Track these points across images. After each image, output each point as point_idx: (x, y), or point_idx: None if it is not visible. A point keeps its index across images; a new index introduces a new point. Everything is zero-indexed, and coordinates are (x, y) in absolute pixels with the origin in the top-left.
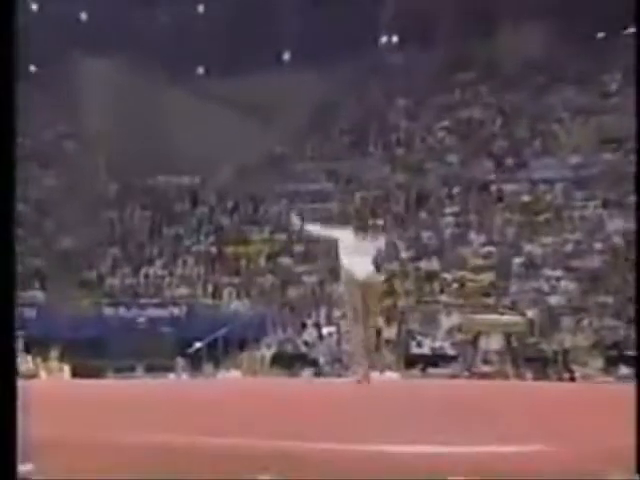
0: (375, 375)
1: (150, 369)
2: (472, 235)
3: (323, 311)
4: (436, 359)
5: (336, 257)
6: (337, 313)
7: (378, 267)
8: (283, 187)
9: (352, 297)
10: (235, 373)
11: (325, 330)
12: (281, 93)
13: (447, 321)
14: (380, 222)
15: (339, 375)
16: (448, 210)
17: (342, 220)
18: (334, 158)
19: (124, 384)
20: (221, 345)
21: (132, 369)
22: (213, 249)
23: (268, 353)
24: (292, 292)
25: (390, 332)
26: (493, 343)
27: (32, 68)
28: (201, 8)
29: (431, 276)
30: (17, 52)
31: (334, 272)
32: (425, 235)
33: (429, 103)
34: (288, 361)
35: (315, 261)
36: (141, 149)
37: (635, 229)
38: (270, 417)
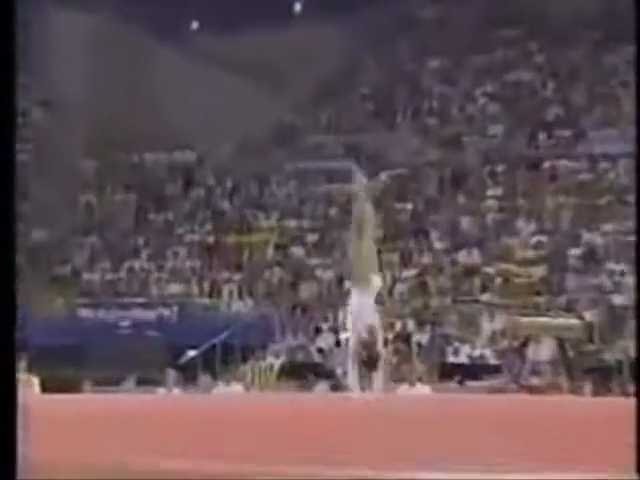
0: (404, 388)
1: (136, 382)
2: (520, 222)
3: (342, 313)
4: (476, 370)
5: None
6: None
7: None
8: (294, 164)
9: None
10: (236, 387)
11: (344, 335)
12: (291, 52)
13: (489, 325)
14: (409, 206)
15: (362, 389)
16: (491, 192)
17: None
18: (354, 130)
19: (104, 399)
20: (220, 353)
21: (114, 382)
22: (210, 238)
23: (276, 363)
24: (305, 290)
25: (422, 337)
26: (544, 351)
27: None
28: None
29: (470, 271)
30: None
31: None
32: (463, 222)
33: (468, 64)
34: (300, 372)
35: (332, 252)
36: (125, 119)
37: (635, 229)
38: (276, 439)
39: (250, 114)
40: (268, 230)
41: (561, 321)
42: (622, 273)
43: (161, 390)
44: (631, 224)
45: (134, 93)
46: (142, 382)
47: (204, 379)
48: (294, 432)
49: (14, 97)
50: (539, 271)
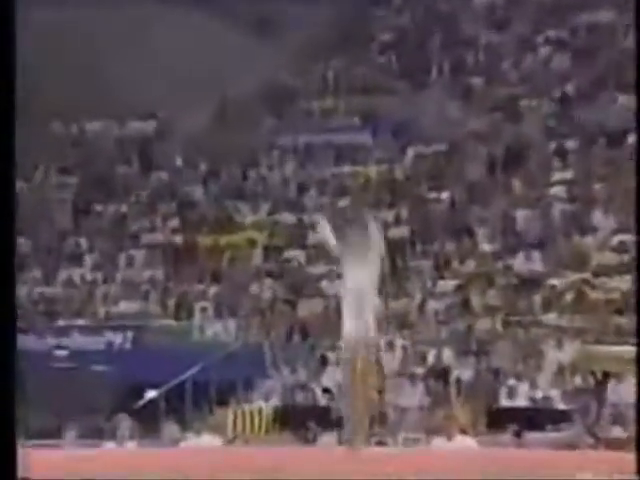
0: (440, 441)
1: (77, 433)
2: (597, 216)
3: None
4: (538, 417)
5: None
6: (380, 339)
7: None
8: (290, 139)
9: None
10: (212, 439)
11: None
12: None
13: (556, 356)
14: (445, 194)
15: (380, 443)
16: (557, 176)
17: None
18: (371, 91)
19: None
20: (190, 394)
21: (49, 433)
22: (177, 239)
23: (267, 407)
24: (306, 308)
25: (464, 372)
26: (630, 391)
27: None
28: None
29: (530, 282)
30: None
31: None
32: (520, 216)
33: (525, 1)
34: (299, 420)
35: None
36: (62, 80)
37: (635, 228)
38: None
39: (231, 71)
40: (255, 227)
41: None
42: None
43: (110, 444)
44: None
45: (74, 43)
46: (86, 433)
47: (169, 428)
48: None
49: (14, 98)
50: (623, 283)
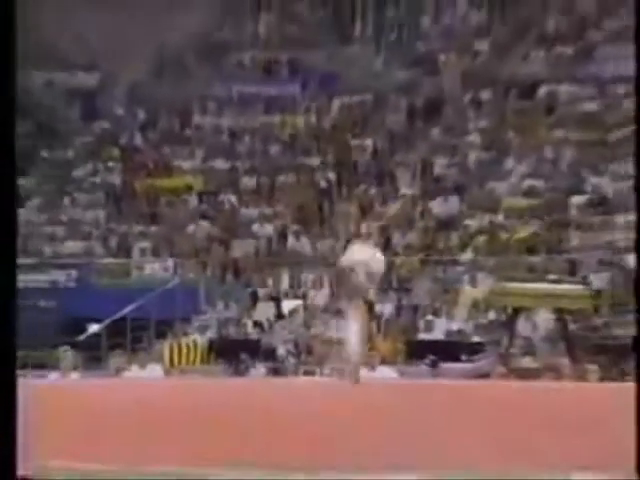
0: (363, 372)
1: (22, 365)
2: (509, 162)
3: (285, 276)
4: (454, 348)
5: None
6: (308, 277)
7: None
8: (223, 88)
9: None
10: (153, 369)
11: (287, 305)
12: None
13: (470, 292)
14: (369, 142)
15: (307, 373)
16: (473, 125)
17: (310, 140)
18: (299, 45)
19: None
20: (130, 328)
21: None
22: (117, 181)
23: (202, 339)
24: (238, 247)
25: (385, 307)
26: (539, 325)
27: None
28: None
29: (447, 224)
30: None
31: (303, 218)
32: (439, 162)
33: None
34: (231, 351)
35: (274, 200)
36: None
37: (635, 227)
38: (202, 435)
39: (167, 24)
40: (192, 172)
41: (561, 287)
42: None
43: (53, 375)
44: None
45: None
46: (31, 364)
47: (112, 360)
48: (224, 426)
49: (14, 99)
50: (533, 225)
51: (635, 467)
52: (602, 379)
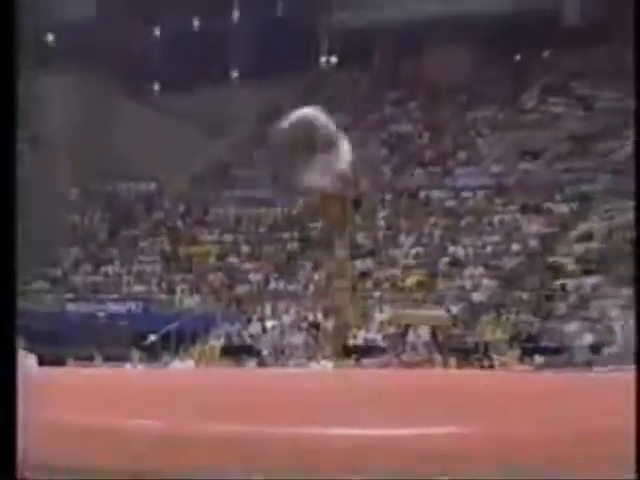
0: (313, 365)
1: (107, 359)
2: (402, 237)
3: (268, 306)
4: (370, 350)
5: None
6: (280, 307)
7: None
8: (230, 193)
9: None
10: (188, 363)
11: (269, 324)
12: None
13: (380, 315)
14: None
15: (282, 365)
16: (381, 214)
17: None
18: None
19: (87, 372)
20: (174, 338)
21: (89, 358)
22: (168, 248)
23: (217, 344)
24: (239, 289)
25: (329, 324)
26: (422, 335)
27: None
28: (157, 31)
29: (365, 274)
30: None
31: (278, 269)
32: (360, 236)
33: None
34: (235, 352)
35: (260, 260)
36: (102, 157)
37: (635, 227)
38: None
39: (197, 154)
40: (211, 243)
41: (433, 313)
42: (479, 277)
43: (127, 365)
44: (488, 239)
45: (108, 137)
46: (112, 359)
47: (163, 357)
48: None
49: (15, 99)
50: (418, 275)
51: (635, 467)
52: (458, 367)
